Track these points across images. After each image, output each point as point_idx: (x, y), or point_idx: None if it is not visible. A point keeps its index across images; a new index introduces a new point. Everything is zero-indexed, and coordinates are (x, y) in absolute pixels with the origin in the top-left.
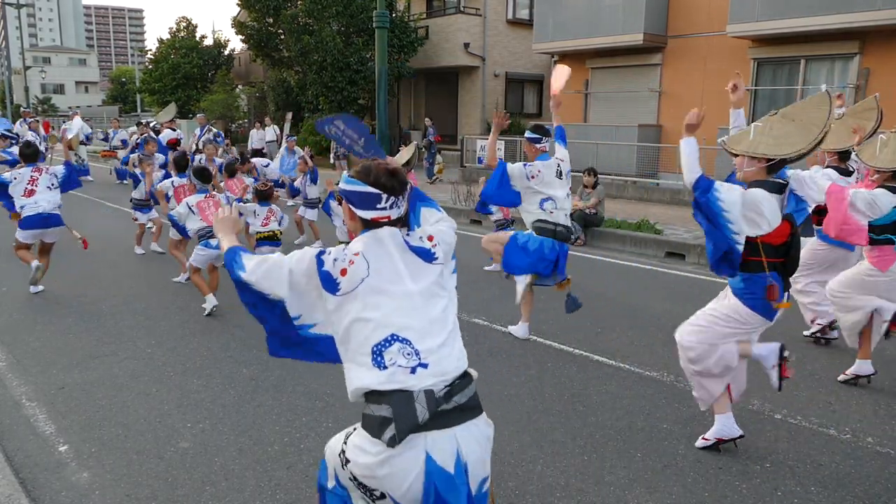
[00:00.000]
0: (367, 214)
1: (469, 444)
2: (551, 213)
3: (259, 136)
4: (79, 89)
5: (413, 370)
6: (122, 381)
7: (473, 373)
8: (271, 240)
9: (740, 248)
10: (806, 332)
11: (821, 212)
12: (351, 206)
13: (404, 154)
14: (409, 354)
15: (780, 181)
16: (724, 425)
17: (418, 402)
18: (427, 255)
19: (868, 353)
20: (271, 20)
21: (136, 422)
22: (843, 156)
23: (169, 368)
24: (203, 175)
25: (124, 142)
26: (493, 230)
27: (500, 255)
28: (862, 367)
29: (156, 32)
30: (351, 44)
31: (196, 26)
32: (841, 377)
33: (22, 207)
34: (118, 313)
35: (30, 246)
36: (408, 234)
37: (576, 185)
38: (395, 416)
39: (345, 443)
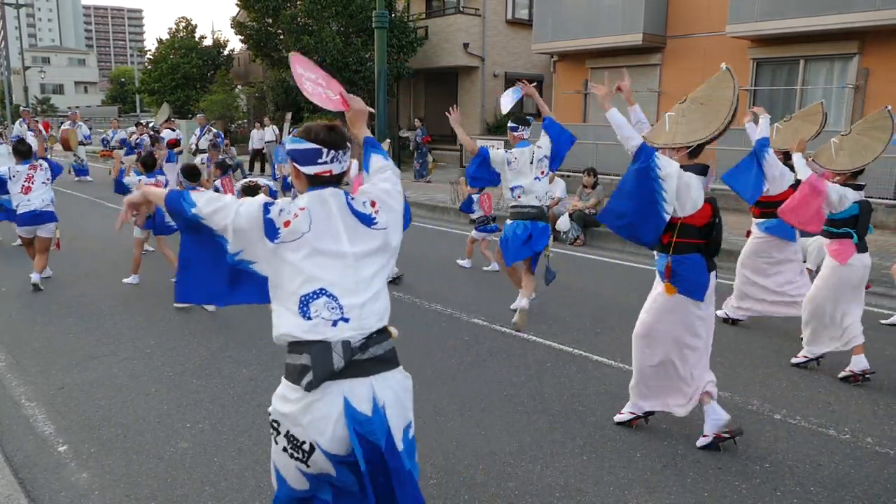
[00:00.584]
0: (310, 170)
1: (384, 391)
2: (519, 197)
3: (259, 136)
4: (78, 89)
5: (334, 323)
6: (121, 381)
7: (394, 331)
8: None
9: (667, 218)
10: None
11: (761, 204)
12: (296, 165)
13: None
14: (332, 308)
15: (704, 164)
16: (712, 415)
17: (335, 351)
18: (368, 221)
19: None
20: (271, 20)
21: (135, 422)
22: (788, 155)
23: (168, 368)
24: (192, 173)
25: (123, 141)
26: (474, 228)
27: (499, 255)
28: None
29: (155, 33)
30: (350, 44)
31: (195, 26)
32: (840, 374)
33: (17, 205)
34: (118, 313)
35: (32, 241)
36: (352, 198)
37: (575, 185)
38: (313, 363)
39: (270, 416)
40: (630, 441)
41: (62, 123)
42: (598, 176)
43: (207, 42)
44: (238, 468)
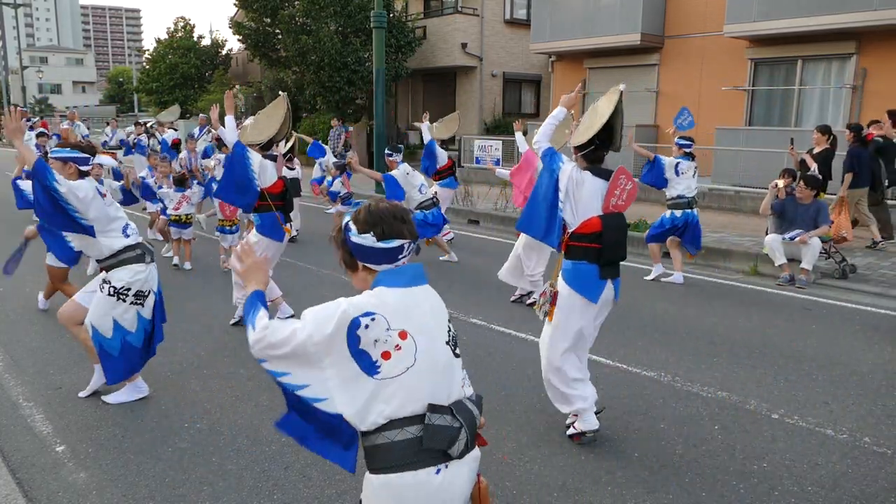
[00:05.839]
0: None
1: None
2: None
3: None
4: (76, 89)
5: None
6: None
7: None
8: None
9: (256, 188)
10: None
11: (438, 172)
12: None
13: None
14: (133, 231)
15: (274, 154)
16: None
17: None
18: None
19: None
20: (269, 20)
21: (133, 422)
22: (451, 141)
23: (166, 368)
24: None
25: (122, 142)
26: (340, 203)
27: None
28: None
29: (153, 32)
30: (348, 44)
31: (193, 26)
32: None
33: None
34: None
35: None
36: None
37: None
38: (144, 252)
39: (114, 292)
40: (628, 441)
41: (61, 123)
42: None
43: (205, 42)
44: (236, 468)
